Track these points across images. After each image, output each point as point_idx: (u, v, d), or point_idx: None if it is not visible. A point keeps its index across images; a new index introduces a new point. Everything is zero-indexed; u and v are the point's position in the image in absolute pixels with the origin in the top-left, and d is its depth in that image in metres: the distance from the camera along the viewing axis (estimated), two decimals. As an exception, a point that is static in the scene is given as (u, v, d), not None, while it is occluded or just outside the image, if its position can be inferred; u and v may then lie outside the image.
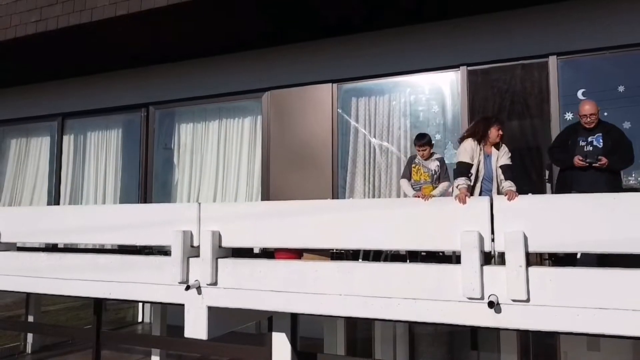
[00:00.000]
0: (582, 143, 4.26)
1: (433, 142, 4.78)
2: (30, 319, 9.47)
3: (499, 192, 4.23)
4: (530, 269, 3.56)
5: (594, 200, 3.60)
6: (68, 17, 5.81)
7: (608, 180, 4.15)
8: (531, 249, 3.62)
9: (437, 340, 6.89)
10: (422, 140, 4.61)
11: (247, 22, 5.83)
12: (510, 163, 4.25)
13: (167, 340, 7.18)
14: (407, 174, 4.68)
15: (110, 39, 6.27)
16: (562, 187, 4.38)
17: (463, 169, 4.24)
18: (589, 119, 4.25)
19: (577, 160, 4.17)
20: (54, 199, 7.98)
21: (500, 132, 4.31)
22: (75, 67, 7.49)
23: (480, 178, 4.28)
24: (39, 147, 8.35)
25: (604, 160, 4.10)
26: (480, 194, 4.24)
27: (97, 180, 7.84)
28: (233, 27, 5.94)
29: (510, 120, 5.47)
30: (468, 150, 4.27)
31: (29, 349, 9.73)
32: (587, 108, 4.26)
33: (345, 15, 5.59)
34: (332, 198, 6.16)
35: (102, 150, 7.87)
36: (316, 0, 5.28)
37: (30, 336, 9.72)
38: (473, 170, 4.24)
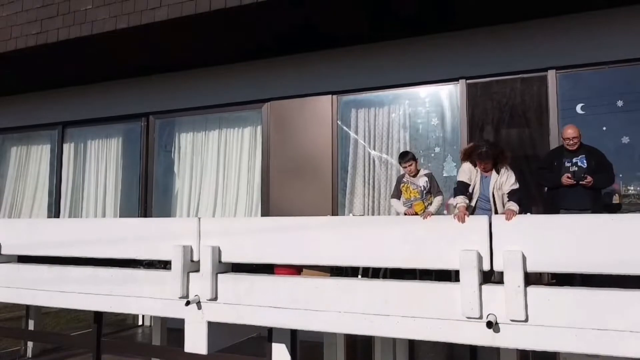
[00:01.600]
0: (567, 164, 4.51)
1: (417, 158, 4.87)
2: (31, 322, 9.48)
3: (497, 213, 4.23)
4: (529, 289, 3.58)
5: (593, 220, 3.62)
6: (68, 30, 5.82)
7: (593, 198, 4.42)
8: (530, 269, 3.63)
9: (437, 344, 6.92)
10: (406, 157, 4.70)
11: (248, 36, 5.84)
12: (517, 187, 4.24)
13: (169, 350, 7.18)
14: (397, 194, 4.76)
15: (110, 51, 6.28)
16: (550, 205, 4.62)
17: (462, 188, 4.31)
18: (571, 142, 4.49)
19: (566, 178, 4.40)
20: (55, 207, 7.99)
21: (486, 167, 4.28)
22: (75, 77, 7.50)
23: (476, 198, 4.32)
24: (39, 155, 8.37)
25: (589, 178, 4.34)
26: (473, 212, 4.25)
27: (97, 189, 7.85)
28: (233, 40, 5.95)
29: (509, 134, 5.49)
30: (465, 171, 4.36)
31: (29, 353, 9.76)
32: (570, 132, 4.50)
33: (346, 28, 5.60)
34: (332, 209, 6.18)
35: (103, 158, 7.88)
36: (318, 16, 5.29)
37: (30, 340, 9.73)
38: (470, 189, 4.28)
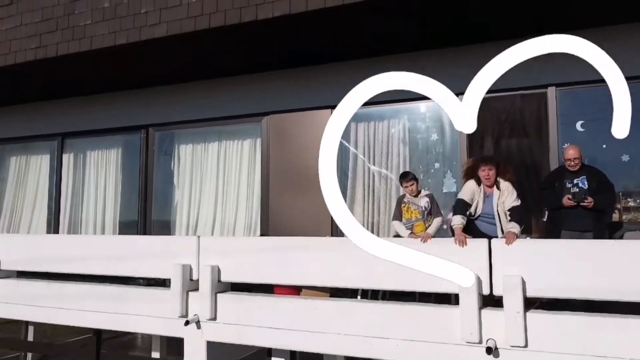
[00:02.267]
0: (568, 185, 4.50)
1: (419, 178, 4.86)
2: (31, 328, 9.45)
3: (503, 232, 4.24)
4: (529, 314, 3.56)
5: (595, 246, 3.61)
6: (67, 45, 5.82)
7: (594, 219, 4.40)
8: (529, 294, 3.61)
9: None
10: (407, 177, 4.66)
11: (247, 52, 5.84)
12: (518, 204, 4.24)
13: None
14: (398, 215, 4.68)
15: (109, 66, 6.28)
16: (551, 226, 4.62)
17: (460, 206, 4.27)
18: (572, 163, 4.50)
19: (566, 200, 4.39)
20: (54, 219, 7.99)
21: (490, 173, 4.30)
22: (75, 88, 7.50)
23: (477, 215, 4.31)
24: (39, 165, 8.37)
25: (590, 199, 4.32)
26: (474, 230, 4.24)
27: (96, 201, 7.86)
28: (232, 55, 5.95)
29: (509, 150, 5.48)
30: (467, 191, 4.34)
31: (29, 359, 9.76)
32: (572, 153, 4.51)
33: (347, 45, 5.60)
34: (332, 222, 6.16)
35: (102, 170, 7.88)
36: (319, 38, 5.29)
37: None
38: (472, 210, 4.27)
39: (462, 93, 5.48)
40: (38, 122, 8.15)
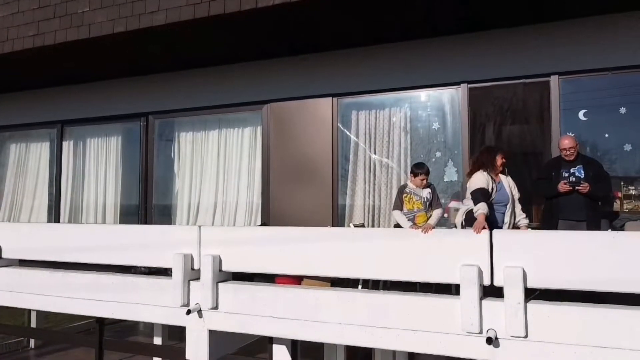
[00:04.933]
0: (565, 174, 4.56)
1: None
2: (33, 314, 9.52)
3: (514, 221, 4.39)
4: (529, 305, 3.58)
5: (596, 237, 3.61)
6: (65, 33, 5.75)
7: (591, 209, 4.45)
8: (530, 285, 3.62)
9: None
10: (423, 169, 4.56)
11: (248, 39, 5.78)
12: (519, 194, 4.40)
13: (170, 351, 7.25)
14: (399, 205, 4.61)
15: (108, 53, 6.21)
16: (548, 216, 4.66)
17: (483, 195, 4.20)
18: (568, 152, 4.55)
19: (562, 185, 4.46)
20: (55, 205, 8.00)
21: (504, 160, 4.45)
22: (74, 76, 7.44)
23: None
24: (39, 153, 8.34)
25: (585, 184, 4.39)
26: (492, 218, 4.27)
27: (97, 187, 7.85)
28: (232, 43, 5.89)
29: (511, 139, 5.45)
30: (483, 180, 4.30)
31: (32, 344, 9.84)
32: (567, 142, 4.57)
33: (347, 30, 5.53)
34: (332, 211, 6.17)
35: (102, 157, 7.86)
36: (319, 26, 5.22)
37: (34, 330, 9.78)
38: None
39: (462, 82, 5.53)
40: (37, 109, 8.10)
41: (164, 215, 7.34)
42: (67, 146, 8.08)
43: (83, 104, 7.74)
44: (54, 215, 7.99)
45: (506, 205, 4.39)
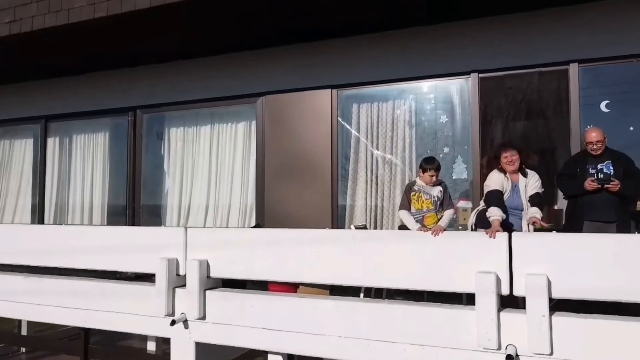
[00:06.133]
0: (592, 171, 4.12)
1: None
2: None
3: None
4: (554, 317, 3.17)
5: (629, 240, 3.20)
6: (44, 18, 5.35)
7: (620, 208, 4.00)
8: (555, 295, 3.21)
9: None
10: (433, 164, 4.11)
11: (241, 25, 5.37)
12: (540, 191, 3.98)
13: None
14: (407, 204, 4.17)
15: (90, 41, 5.81)
16: (572, 216, 4.23)
17: (497, 197, 3.83)
18: (595, 146, 4.11)
19: (589, 182, 4.00)
20: (39, 205, 7.59)
21: (513, 158, 4.01)
22: (56, 68, 7.04)
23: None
24: (23, 150, 7.94)
25: (616, 181, 3.93)
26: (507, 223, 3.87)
27: (83, 186, 7.45)
28: (224, 29, 5.48)
29: (526, 134, 5.04)
30: (497, 180, 3.94)
31: (23, 348, 9.55)
32: (594, 135, 4.11)
33: (349, 17, 5.13)
34: (332, 210, 5.77)
35: (89, 154, 7.45)
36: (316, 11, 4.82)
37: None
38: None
39: (472, 72, 5.14)
40: (20, 104, 7.70)
41: (154, 215, 6.93)
42: (52, 143, 7.67)
43: (68, 98, 7.34)
44: (37, 216, 7.58)
45: (521, 210, 4.01)
